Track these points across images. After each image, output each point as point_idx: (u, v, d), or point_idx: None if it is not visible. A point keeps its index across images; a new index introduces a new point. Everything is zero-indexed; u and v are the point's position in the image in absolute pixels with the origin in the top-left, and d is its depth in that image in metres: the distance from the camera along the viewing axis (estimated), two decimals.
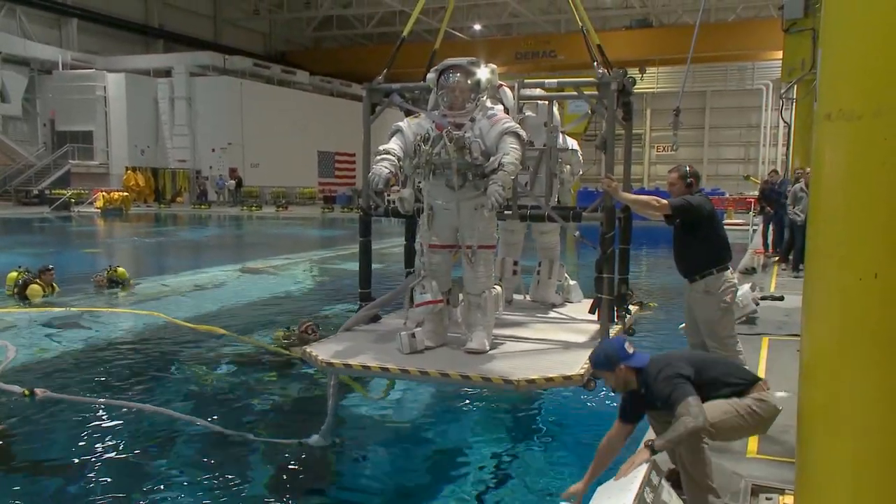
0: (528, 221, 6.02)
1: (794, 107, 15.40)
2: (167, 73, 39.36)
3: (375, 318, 5.94)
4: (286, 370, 7.71)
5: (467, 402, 6.74)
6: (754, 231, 18.28)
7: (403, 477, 5.40)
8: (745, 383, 3.84)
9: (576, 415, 6.55)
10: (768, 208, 14.51)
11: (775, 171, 16.42)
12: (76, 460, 5.37)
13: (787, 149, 19.35)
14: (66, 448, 5.61)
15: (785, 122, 18.17)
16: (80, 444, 5.66)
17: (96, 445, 5.64)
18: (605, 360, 3.84)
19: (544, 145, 5.81)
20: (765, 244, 14.82)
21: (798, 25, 13.62)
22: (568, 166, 6.40)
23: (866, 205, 2.61)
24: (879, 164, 2.56)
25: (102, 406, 6.41)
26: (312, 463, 5.41)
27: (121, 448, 5.61)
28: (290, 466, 5.37)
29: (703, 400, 3.59)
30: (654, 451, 3.50)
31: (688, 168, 5.12)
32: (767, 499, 3.74)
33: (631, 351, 3.79)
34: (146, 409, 6.28)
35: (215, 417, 6.16)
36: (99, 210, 31.49)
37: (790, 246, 12.76)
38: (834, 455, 2.76)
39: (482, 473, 5.36)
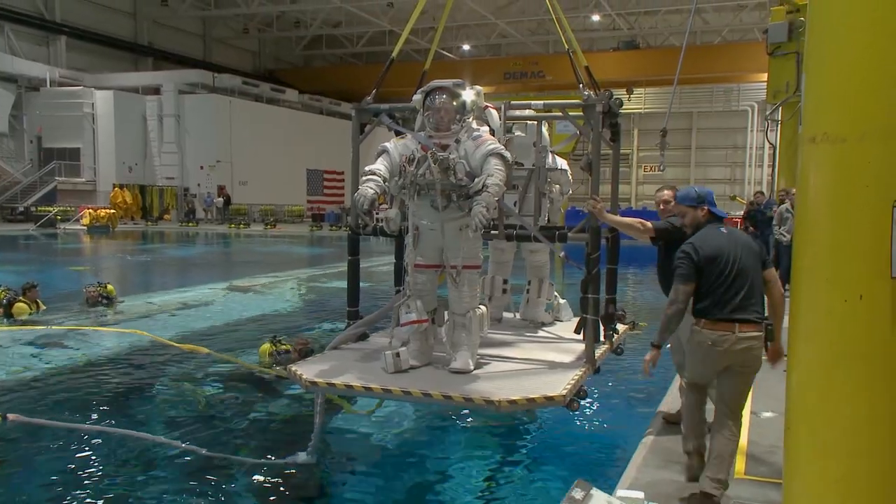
0: (515, 241, 6.04)
1: (779, 128, 15.54)
2: (156, 90, 39.32)
3: (363, 337, 5.93)
4: (273, 389, 7.65)
5: (455, 419, 6.71)
6: None
7: (391, 495, 5.35)
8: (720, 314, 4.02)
9: (563, 432, 6.54)
10: (752, 229, 14.63)
11: (761, 193, 16.55)
12: (56, 489, 5.21)
13: (773, 169, 19.52)
14: (43, 475, 5.45)
15: (770, 143, 18.35)
16: (58, 471, 5.50)
17: (76, 472, 5.47)
18: (696, 196, 4.32)
19: (533, 165, 5.84)
20: None
21: (782, 49, 13.80)
22: (557, 186, 6.43)
23: (851, 227, 2.63)
24: (863, 186, 2.60)
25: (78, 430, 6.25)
26: (300, 481, 5.36)
27: (102, 474, 5.47)
28: (277, 486, 5.31)
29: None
30: (657, 346, 4.12)
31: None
32: None
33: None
34: (126, 434, 6.13)
35: (201, 436, 6.08)
36: (85, 227, 31.27)
37: (776, 266, 12.82)
38: (821, 477, 2.76)
39: (470, 491, 5.32)
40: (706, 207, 4.29)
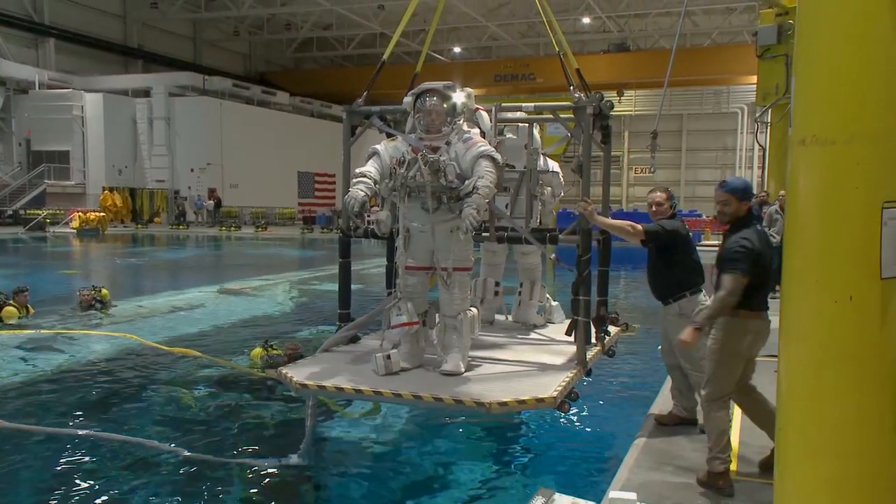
0: (506, 243, 6.04)
1: (768, 130, 15.61)
2: (146, 93, 39.16)
3: (354, 339, 5.91)
4: (264, 391, 7.62)
5: (448, 422, 6.70)
6: None
7: (384, 497, 5.34)
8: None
9: (556, 434, 6.54)
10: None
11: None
12: (44, 495, 5.15)
13: (763, 171, 19.62)
14: (29, 484, 5.38)
15: (760, 145, 18.43)
16: (45, 476, 5.44)
17: (64, 477, 5.41)
18: (743, 189, 4.33)
19: (525, 167, 5.85)
20: None
21: (771, 51, 13.86)
22: (549, 188, 6.44)
23: (841, 229, 2.65)
24: (853, 188, 2.61)
25: (69, 435, 6.19)
26: (291, 484, 5.34)
27: (91, 479, 5.41)
28: (269, 488, 5.29)
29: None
30: (700, 328, 4.13)
31: (670, 190, 5.36)
32: None
33: None
34: (115, 438, 6.08)
35: (192, 440, 6.05)
36: (75, 230, 31.08)
37: None
38: (811, 477, 2.78)
39: (461, 494, 5.31)
40: (749, 203, 4.37)
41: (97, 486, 5.29)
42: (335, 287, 6.26)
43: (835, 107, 2.63)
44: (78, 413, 6.89)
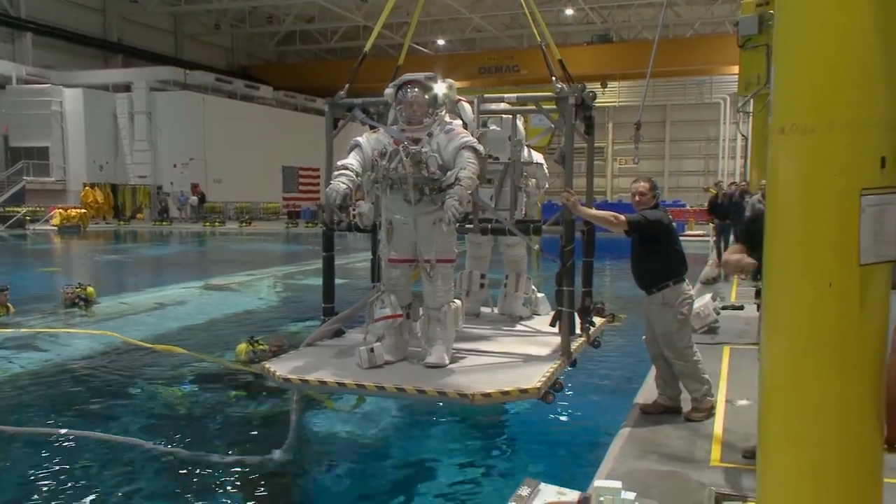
0: (491, 235, 6.04)
1: (750, 120, 15.72)
2: (126, 87, 38.73)
3: (339, 333, 5.89)
4: (250, 387, 7.59)
5: (434, 415, 6.70)
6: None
7: (370, 491, 5.34)
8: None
9: (542, 425, 6.57)
10: (717, 220, 14.85)
11: (719, 183, 16.79)
12: (29, 496, 5.09)
13: (746, 161, 19.76)
14: (11, 485, 5.31)
15: (742, 134, 18.60)
16: (30, 477, 5.37)
17: (48, 478, 5.34)
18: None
19: (509, 159, 5.84)
20: (718, 255, 15.06)
21: (753, 41, 13.92)
22: (533, 180, 6.44)
23: (820, 217, 2.66)
24: (832, 176, 2.62)
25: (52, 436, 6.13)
26: (276, 479, 5.33)
27: (76, 478, 5.37)
28: (254, 484, 5.28)
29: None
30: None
31: (653, 181, 5.39)
32: None
33: None
34: (97, 437, 6.02)
35: (177, 436, 6.01)
36: (56, 228, 30.75)
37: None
38: (795, 463, 2.79)
39: (448, 485, 5.33)
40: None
41: (79, 486, 5.25)
42: (320, 281, 6.23)
43: (813, 95, 2.64)
44: (60, 412, 6.83)
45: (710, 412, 5.26)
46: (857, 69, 2.56)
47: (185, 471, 5.45)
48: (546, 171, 6.75)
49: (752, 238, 4.29)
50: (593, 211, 5.32)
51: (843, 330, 2.67)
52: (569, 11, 41.19)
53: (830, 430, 2.70)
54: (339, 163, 4.90)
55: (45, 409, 6.97)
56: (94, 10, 40.43)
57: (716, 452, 4.61)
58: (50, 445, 5.96)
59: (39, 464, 5.64)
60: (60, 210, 31.99)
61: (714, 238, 15.81)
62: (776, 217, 2.83)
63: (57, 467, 5.58)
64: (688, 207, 34.40)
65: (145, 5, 40.95)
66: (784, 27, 2.77)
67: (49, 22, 37.56)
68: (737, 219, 13.75)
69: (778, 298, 2.83)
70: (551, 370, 4.76)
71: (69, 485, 5.27)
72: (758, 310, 4.83)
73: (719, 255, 14.99)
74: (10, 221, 31.46)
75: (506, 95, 5.86)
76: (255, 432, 6.41)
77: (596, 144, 6.33)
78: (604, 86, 41.21)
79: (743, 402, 5.56)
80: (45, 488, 5.21)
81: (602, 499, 3.49)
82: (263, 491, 5.22)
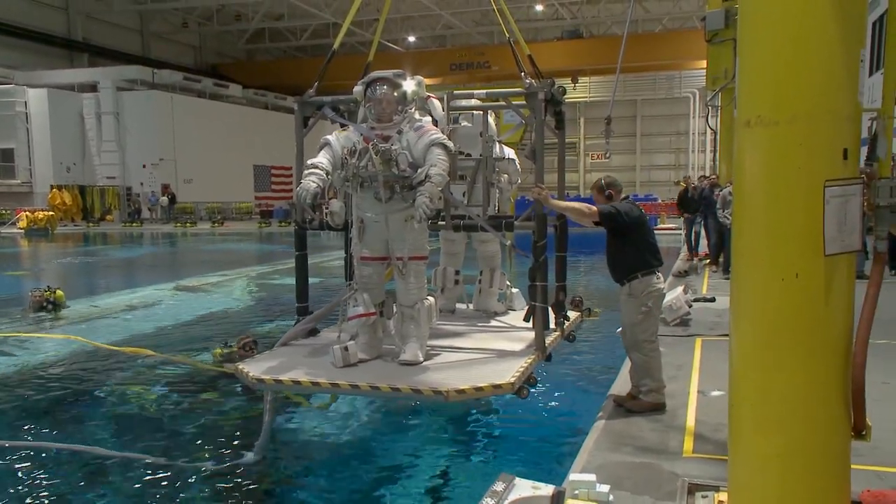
0: (462, 231, 6.04)
1: (719, 114, 15.91)
2: (93, 87, 38.12)
3: (313, 332, 5.86)
4: (223, 389, 7.51)
5: (410, 413, 6.70)
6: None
7: (347, 488, 5.31)
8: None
9: (518, 420, 6.59)
10: (687, 214, 15.04)
11: (688, 177, 16.99)
12: None
13: (715, 154, 20.00)
14: None
15: (711, 128, 18.80)
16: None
17: (11, 491, 5.17)
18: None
19: (481, 155, 5.84)
20: (689, 248, 15.25)
21: (720, 36, 14.08)
22: (505, 175, 6.45)
23: (785, 208, 2.70)
24: (796, 168, 2.67)
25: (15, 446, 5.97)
26: (249, 481, 5.28)
27: (45, 490, 5.22)
28: (227, 488, 5.22)
29: None
30: None
31: (603, 180, 5.43)
32: (703, 496, 3.82)
33: None
34: (65, 448, 5.87)
35: (147, 442, 5.93)
36: (23, 231, 30.16)
37: (719, 249, 13.18)
38: (763, 450, 2.84)
39: (425, 484, 5.32)
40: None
41: (42, 496, 5.11)
42: (294, 281, 6.19)
43: (776, 88, 2.68)
44: (27, 420, 6.69)
45: (649, 408, 5.22)
46: (818, 63, 2.61)
47: (153, 476, 5.37)
48: (518, 166, 6.77)
49: None
50: (564, 203, 5.37)
51: (810, 319, 2.72)
52: (539, 7, 41.35)
53: (797, 416, 2.75)
54: (309, 161, 4.88)
55: (10, 415, 6.83)
56: (58, 8, 39.66)
57: (688, 443, 4.67)
58: (13, 455, 5.80)
59: (2, 474, 5.49)
60: (27, 213, 31.39)
61: (685, 231, 15.99)
62: (743, 209, 2.87)
63: (20, 478, 5.43)
64: (660, 201, 34.77)
65: (110, 3, 40.32)
66: (747, 22, 2.81)
67: (11, 21, 36.75)
68: (707, 212, 13.93)
69: (745, 288, 2.88)
70: (525, 365, 4.78)
71: (34, 494, 5.14)
72: None
73: (690, 249, 15.19)
74: None
75: (475, 92, 5.86)
76: (228, 434, 6.34)
77: (567, 139, 6.36)
78: (574, 81, 41.50)
79: (716, 393, 5.63)
80: (4, 500, 5.08)
81: (577, 492, 3.51)
82: (235, 494, 5.16)
